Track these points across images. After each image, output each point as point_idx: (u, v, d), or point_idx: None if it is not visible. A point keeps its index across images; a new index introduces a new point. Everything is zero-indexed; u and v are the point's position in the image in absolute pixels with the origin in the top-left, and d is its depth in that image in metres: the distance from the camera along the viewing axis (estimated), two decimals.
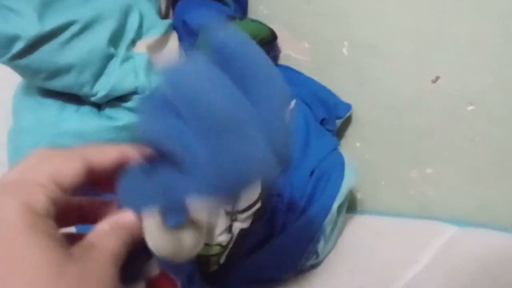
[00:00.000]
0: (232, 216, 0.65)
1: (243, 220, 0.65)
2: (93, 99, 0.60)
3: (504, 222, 0.60)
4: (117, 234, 0.25)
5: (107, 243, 0.24)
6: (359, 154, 0.76)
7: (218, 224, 0.63)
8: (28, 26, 0.53)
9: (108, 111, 0.62)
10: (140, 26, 0.63)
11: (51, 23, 0.54)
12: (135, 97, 0.61)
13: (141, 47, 0.62)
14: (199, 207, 0.25)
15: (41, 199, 0.21)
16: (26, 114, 0.62)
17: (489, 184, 0.62)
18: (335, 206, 0.64)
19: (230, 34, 0.26)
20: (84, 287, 0.20)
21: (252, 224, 0.65)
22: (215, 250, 0.64)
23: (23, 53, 0.54)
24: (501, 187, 0.61)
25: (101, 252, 0.23)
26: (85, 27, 0.57)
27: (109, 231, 0.25)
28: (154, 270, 0.29)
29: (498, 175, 0.61)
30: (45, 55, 0.55)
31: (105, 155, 0.26)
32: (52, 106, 0.61)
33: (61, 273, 0.19)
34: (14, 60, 0.54)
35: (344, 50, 0.74)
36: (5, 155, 0.62)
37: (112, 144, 0.27)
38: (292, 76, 0.80)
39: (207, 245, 0.63)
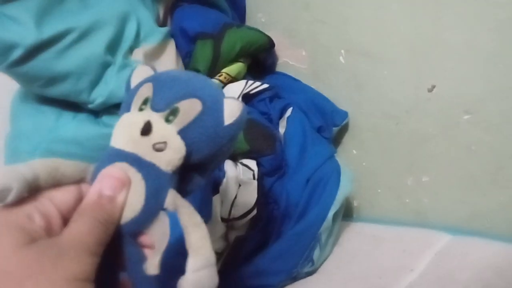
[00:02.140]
0: (228, 223, 0.65)
1: (239, 228, 0.65)
2: (90, 106, 0.61)
3: (499, 231, 0.60)
4: (85, 216, 0.26)
5: (75, 229, 0.25)
6: (356, 162, 0.76)
7: (214, 231, 0.64)
8: (26, 34, 0.53)
9: (105, 118, 0.62)
10: (138, 34, 0.63)
11: (49, 31, 0.55)
12: None
13: (138, 54, 0.63)
14: None
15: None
16: (23, 120, 0.62)
17: (484, 192, 0.62)
18: (331, 213, 0.64)
19: None
20: (40, 266, 0.23)
21: (247, 231, 0.65)
22: None
23: (21, 61, 0.54)
24: (496, 195, 0.61)
25: (66, 239, 0.25)
26: (83, 35, 0.58)
27: (75, 217, 0.26)
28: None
29: (493, 183, 0.61)
30: (42, 62, 0.55)
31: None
32: (49, 112, 0.62)
33: (15, 253, 0.23)
34: (12, 68, 0.54)
35: (341, 58, 0.74)
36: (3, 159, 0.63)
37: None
38: (289, 83, 0.80)
39: None
